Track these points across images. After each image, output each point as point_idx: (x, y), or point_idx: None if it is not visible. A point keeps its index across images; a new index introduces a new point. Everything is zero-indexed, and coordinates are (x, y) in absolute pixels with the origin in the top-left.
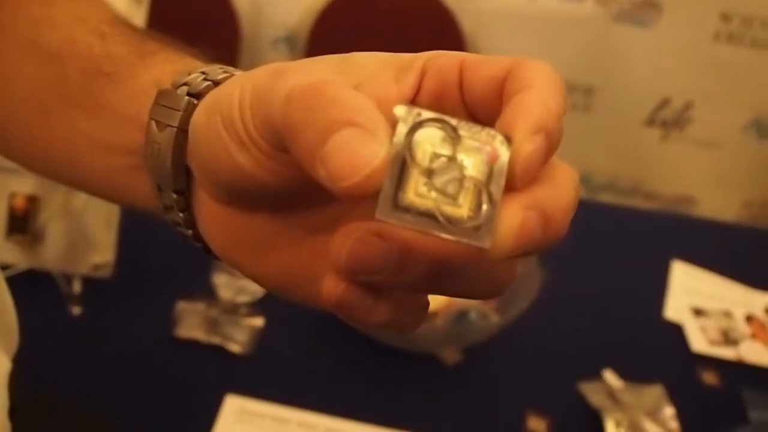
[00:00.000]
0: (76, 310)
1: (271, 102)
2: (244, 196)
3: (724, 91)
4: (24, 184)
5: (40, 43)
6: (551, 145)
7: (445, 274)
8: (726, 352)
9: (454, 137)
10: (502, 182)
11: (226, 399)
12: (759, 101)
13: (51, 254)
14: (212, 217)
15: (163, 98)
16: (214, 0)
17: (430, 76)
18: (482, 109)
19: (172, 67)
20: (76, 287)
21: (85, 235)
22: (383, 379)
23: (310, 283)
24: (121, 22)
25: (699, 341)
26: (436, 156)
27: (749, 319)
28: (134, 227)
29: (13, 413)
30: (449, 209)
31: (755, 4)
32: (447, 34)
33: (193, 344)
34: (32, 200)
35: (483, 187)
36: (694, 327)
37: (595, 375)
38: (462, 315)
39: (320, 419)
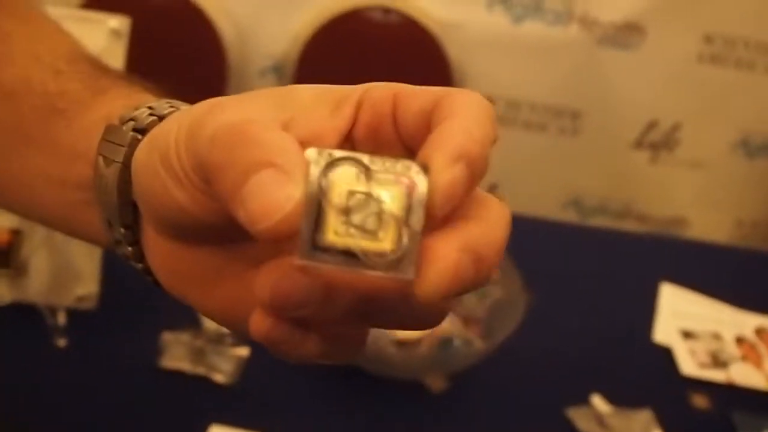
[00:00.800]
0: (61, 342)
1: (199, 139)
2: (185, 231)
3: (711, 111)
4: (6, 218)
5: None
6: (474, 173)
7: (372, 308)
8: (716, 375)
9: (368, 173)
10: (422, 213)
11: (211, 429)
12: (745, 121)
13: (35, 287)
14: (159, 251)
15: (109, 134)
16: (199, 32)
17: (365, 109)
18: (415, 140)
19: (123, 102)
20: (61, 319)
21: (68, 267)
22: (369, 408)
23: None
24: (79, 58)
25: (688, 364)
26: (352, 194)
27: (739, 340)
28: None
29: None
30: (370, 245)
31: (737, 25)
32: (433, 62)
33: (179, 375)
34: (15, 233)
35: (403, 220)
36: (684, 350)
37: (583, 400)
38: (446, 341)
39: None
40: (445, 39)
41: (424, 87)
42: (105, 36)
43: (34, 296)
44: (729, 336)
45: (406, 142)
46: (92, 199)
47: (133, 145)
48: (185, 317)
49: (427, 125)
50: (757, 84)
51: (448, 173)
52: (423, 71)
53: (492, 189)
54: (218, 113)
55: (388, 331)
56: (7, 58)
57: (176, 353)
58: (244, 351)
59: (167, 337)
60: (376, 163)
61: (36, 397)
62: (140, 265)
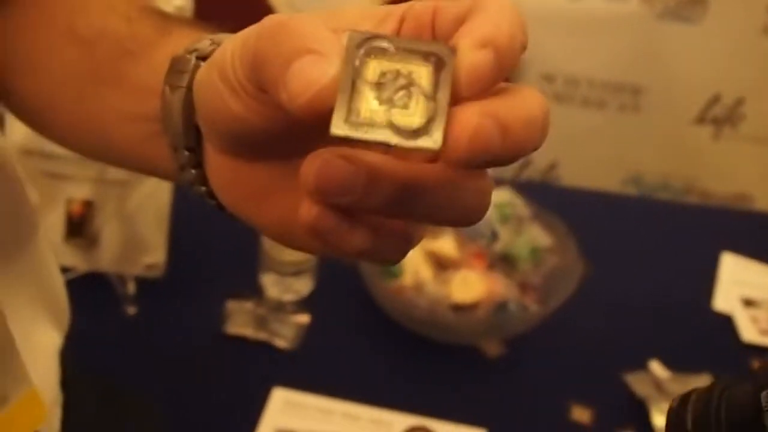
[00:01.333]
0: (131, 310)
1: (250, 44)
2: (243, 144)
3: None
4: (80, 190)
5: (76, 29)
6: (501, 61)
7: (414, 196)
8: None
9: (400, 52)
10: (448, 88)
11: (273, 392)
12: None
13: (107, 257)
14: (219, 170)
15: (175, 64)
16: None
17: (408, 21)
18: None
19: (188, 40)
20: (131, 287)
21: (137, 237)
22: (426, 372)
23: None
24: (149, 8)
25: (749, 331)
26: (384, 71)
27: None
28: (184, 229)
29: (66, 387)
30: (400, 119)
31: None
32: None
33: (242, 341)
34: (88, 205)
35: (432, 95)
36: (745, 317)
37: (641, 366)
38: (502, 306)
39: (364, 410)
40: None
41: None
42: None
43: (106, 266)
44: None
45: None
46: (159, 129)
47: (196, 70)
48: (248, 287)
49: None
50: None
51: (474, 55)
52: None
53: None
54: (266, 20)
55: (446, 296)
56: (83, 8)
57: (240, 320)
58: (304, 318)
59: (231, 305)
60: (408, 44)
61: (106, 360)
62: (203, 188)
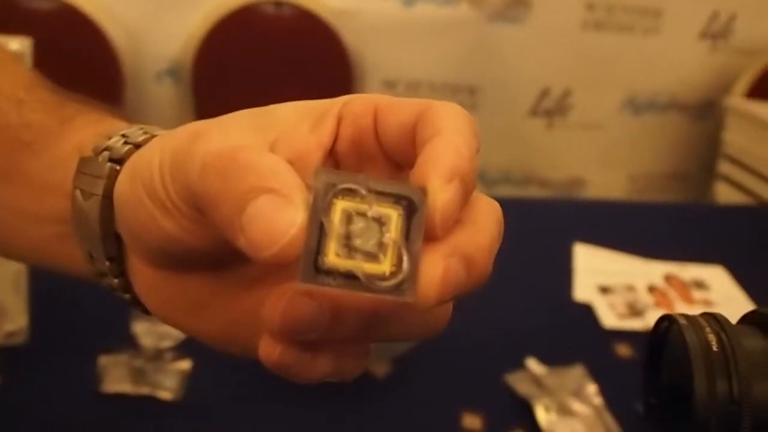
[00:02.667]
0: None
1: (188, 169)
2: (175, 259)
3: (598, 75)
4: None
5: None
6: (467, 189)
7: (379, 324)
8: (635, 324)
9: (368, 195)
10: (421, 235)
11: None
12: (630, 82)
13: None
14: (147, 281)
15: (85, 166)
16: (91, 40)
17: (347, 123)
18: (398, 153)
19: (92, 131)
20: None
21: None
22: (318, 401)
23: (250, 338)
24: (38, 86)
25: (609, 317)
26: (352, 216)
27: (651, 289)
28: (44, 288)
29: None
30: (370, 267)
31: None
32: (330, 50)
33: (122, 398)
34: None
35: (402, 241)
36: (603, 304)
37: (520, 365)
38: None
39: None
40: (340, 27)
41: (402, 99)
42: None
43: None
44: (641, 286)
45: (389, 155)
46: (69, 232)
47: (112, 176)
48: (121, 338)
49: (410, 138)
50: (638, 46)
51: (445, 194)
52: (321, 61)
53: None
54: (202, 141)
55: None
56: None
57: (116, 376)
58: (185, 364)
59: (104, 360)
60: (378, 185)
61: None
62: (127, 296)
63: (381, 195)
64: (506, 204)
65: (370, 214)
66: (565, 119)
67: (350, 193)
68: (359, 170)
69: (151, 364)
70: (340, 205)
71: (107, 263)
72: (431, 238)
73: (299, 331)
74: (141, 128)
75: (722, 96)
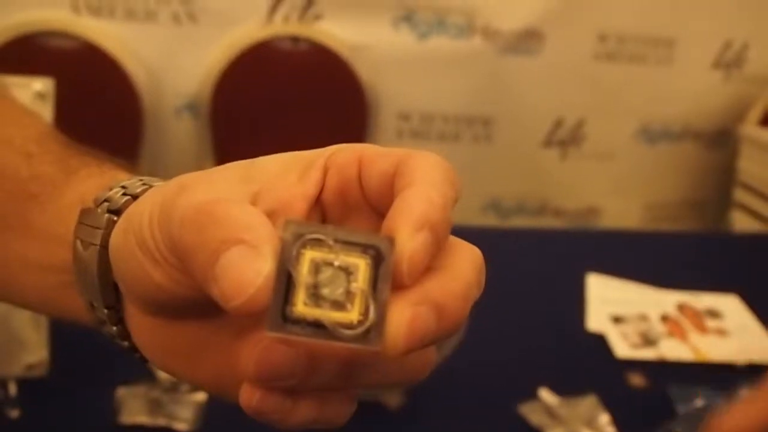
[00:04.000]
0: (14, 414)
1: (171, 221)
2: (167, 308)
3: (611, 105)
4: None
5: None
6: (437, 238)
7: (356, 372)
8: (648, 354)
9: (336, 245)
10: (388, 283)
11: None
12: (643, 111)
13: None
14: (144, 329)
15: (85, 217)
16: (111, 76)
17: (332, 174)
18: (380, 202)
19: (96, 182)
20: (12, 390)
21: (14, 337)
22: None
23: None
24: (48, 139)
25: (621, 347)
26: (320, 266)
27: (664, 318)
28: (64, 322)
29: None
30: (338, 316)
31: (627, 22)
32: (345, 84)
33: (140, 429)
34: None
35: (369, 291)
36: (616, 334)
37: (532, 395)
38: None
39: None
40: (355, 61)
41: (386, 149)
42: (30, 99)
43: None
44: (654, 315)
45: (372, 204)
46: (73, 281)
47: (110, 226)
48: (138, 370)
49: (390, 188)
50: (650, 75)
51: (413, 243)
52: (336, 95)
53: None
54: (187, 193)
55: None
56: None
57: (134, 407)
58: (201, 396)
59: (122, 392)
60: (344, 235)
61: None
62: (126, 344)
63: (349, 245)
64: (520, 235)
65: (337, 263)
66: (579, 149)
67: (318, 243)
68: (345, 220)
69: (167, 395)
70: (309, 255)
71: (106, 311)
72: (400, 286)
73: (275, 378)
74: (141, 179)
75: (736, 124)
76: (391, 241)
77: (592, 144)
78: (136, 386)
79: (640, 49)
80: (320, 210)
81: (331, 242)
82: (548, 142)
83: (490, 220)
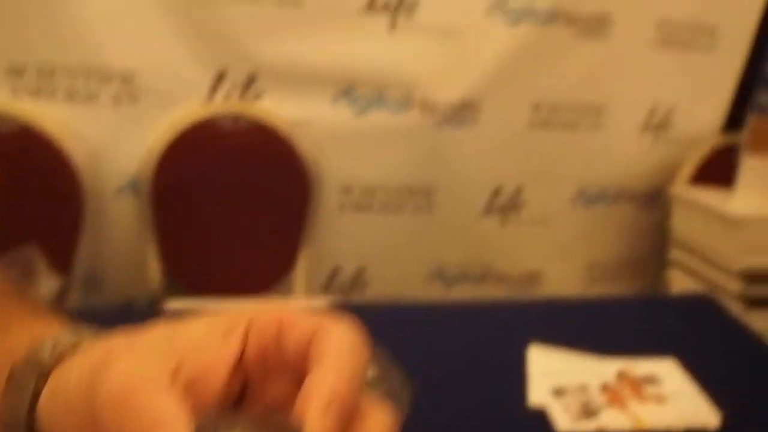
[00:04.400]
0: None
1: (95, 399)
2: None
3: (548, 171)
4: None
5: None
6: (345, 412)
7: None
8: (589, 425)
9: None
10: None
11: None
12: (578, 175)
13: None
14: None
15: (13, 381)
16: (50, 158)
17: (253, 336)
18: (299, 364)
19: (26, 338)
20: None
21: None
22: None
23: None
24: None
25: (563, 420)
26: None
27: (604, 388)
28: None
29: None
30: None
31: (560, 92)
32: (287, 160)
33: None
34: None
35: None
36: (557, 407)
37: None
38: None
39: None
40: (295, 137)
41: (303, 315)
42: None
43: None
44: (595, 385)
45: (291, 365)
46: None
47: (37, 392)
48: None
49: (307, 353)
50: (583, 141)
51: (321, 424)
52: (278, 171)
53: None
54: (111, 369)
55: None
56: None
57: None
58: None
59: None
60: (258, 426)
61: None
62: None
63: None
64: (463, 307)
65: None
66: (518, 215)
67: None
68: (265, 381)
69: None
70: None
71: None
72: None
73: None
74: (71, 332)
75: (667, 184)
76: (300, 426)
77: (531, 210)
78: None
79: (572, 117)
80: (242, 372)
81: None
82: (488, 210)
83: (436, 288)
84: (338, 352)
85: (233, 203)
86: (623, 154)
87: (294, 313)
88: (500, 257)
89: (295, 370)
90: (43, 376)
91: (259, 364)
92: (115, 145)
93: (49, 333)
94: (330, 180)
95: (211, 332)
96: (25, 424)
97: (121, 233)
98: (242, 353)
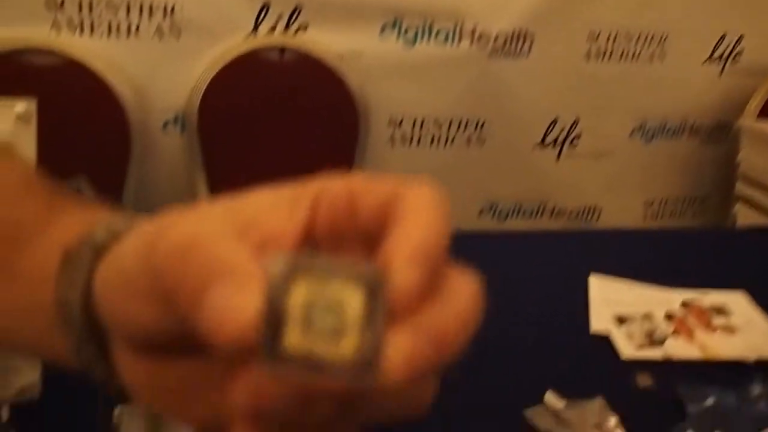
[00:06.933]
0: None
1: (156, 257)
2: (157, 346)
3: (606, 103)
4: None
5: None
6: (433, 269)
7: (353, 408)
8: (654, 353)
9: (329, 276)
10: (383, 316)
11: None
12: (638, 108)
13: None
14: (132, 370)
15: (68, 257)
16: (96, 93)
17: (322, 207)
18: (373, 235)
19: (79, 222)
20: (5, 414)
21: (4, 360)
22: None
23: None
24: (31, 182)
25: (627, 347)
26: (312, 298)
27: (669, 317)
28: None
29: None
30: (331, 350)
31: (618, 20)
32: (335, 93)
33: None
34: None
35: (364, 323)
36: (620, 334)
37: (539, 399)
38: None
39: None
40: (343, 70)
41: (377, 180)
42: (11, 122)
43: None
44: (659, 314)
45: (364, 236)
46: (56, 323)
47: (93, 266)
48: None
49: (384, 220)
50: (643, 72)
51: (408, 274)
52: (326, 103)
53: None
54: (172, 228)
55: None
56: None
57: (133, 427)
58: None
59: (121, 411)
60: (337, 266)
61: None
62: (114, 386)
63: (342, 276)
64: (520, 238)
65: (330, 295)
66: (575, 148)
67: (309, 275)
68: (336, 252)
69: None
70: (299, 288)
71: (92, 353)
72: (395, 318)
73: (267, 415)
74: (123, 218)
75: (735, 117)
76: (385, 272)
77: (588, 143)
78: (134, 405)
79: (632, 46)
80: (310, 245)
81: (322, 274)
82: (543, 143)
83: (488, 223)
84: (422, 207)
85: (281, 136)
86: (687, 85)
87: (366, 179)
88: (555, 191)
89: (370, 239)
90: (99, 253)
91: (329, 236)
92: (160, 79)
93: (102, 218)
94: (379, 113)
95: (276, 203)
96: (81, 302)
97: (168, 167)
98: (310, 225)
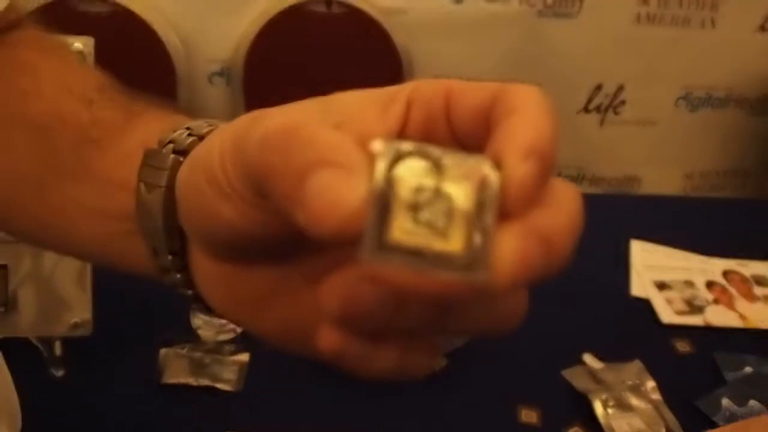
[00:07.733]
0: (59, 372)
1: (247, 148)
2: (236, 251)
3: (652, 70)
4: None
5: (29, 115)
6: (545, 168)
7: (448, 313)
8: (694, 320)
9: (438, 168)
10: (495, 211)
11: None
12: (685, 77)
13: (26, 321)
14: (209, 275)
15: (150, 158)
16: (145, 41)
17: (416, 108)
18: (471, 138)
19: (159, 126)
20: (57, 349)
21: (59, 297)
22: (375, 396)
23: (311, 335)
24: (109, 87)
25: (667, 312)
26: (420, 189)
27: (710, 285)
28: (108, 282)
29: None
30: (439, 245)
31: None
32: (380, 49)
33: (183, 388)
34: (1, 269)
35: (474, 217)
36: (660, 300)
37: (577, 359)
38: None
39: None
40: (389, 25)
41: (475, 83)
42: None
43: (26, 331)
44: (700, 282)
45: (461, 141)
46: (134, 228)
47: (175, 167)
48: (182, 331)
49: (484, 123)
50: (693, 39)
51: (522, 169)
52: (371, 59)
53: None
54: (264, 121)
55: None
56: (36, 92)
57: (177, 368)
58: (244, 357)
59: (166, 353)
60: (447, 157)
61: (40, 430)
62: (190, 292)
63: (452, 167)
64: None
65: (438, 187)
66: (618, 115)
67: (417, 164)
68: None
69: (210, 356)
70: (407, 178)
71: (170, 258)
72: (506, 216)
73: (360, 317)
74: (206, 121)
75: None
76: (499, 165)
77: (632, 110)
78: (179, 347)
79: (682, 12)
80: None
81: (431, 164)
82: (586, 108)
83: None
84: (530, 105)
85: (325, 90)
86: (736, 55)
87: (464, 82)
88: (596, 158)
89: (466, 144)
90: (181, 154)
91: (423, 139)
92: (207, 31)
93: (183, 121)
94: (424, 70)
95: (368, 104)
96: (162, 205)
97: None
98: (404, 127)
